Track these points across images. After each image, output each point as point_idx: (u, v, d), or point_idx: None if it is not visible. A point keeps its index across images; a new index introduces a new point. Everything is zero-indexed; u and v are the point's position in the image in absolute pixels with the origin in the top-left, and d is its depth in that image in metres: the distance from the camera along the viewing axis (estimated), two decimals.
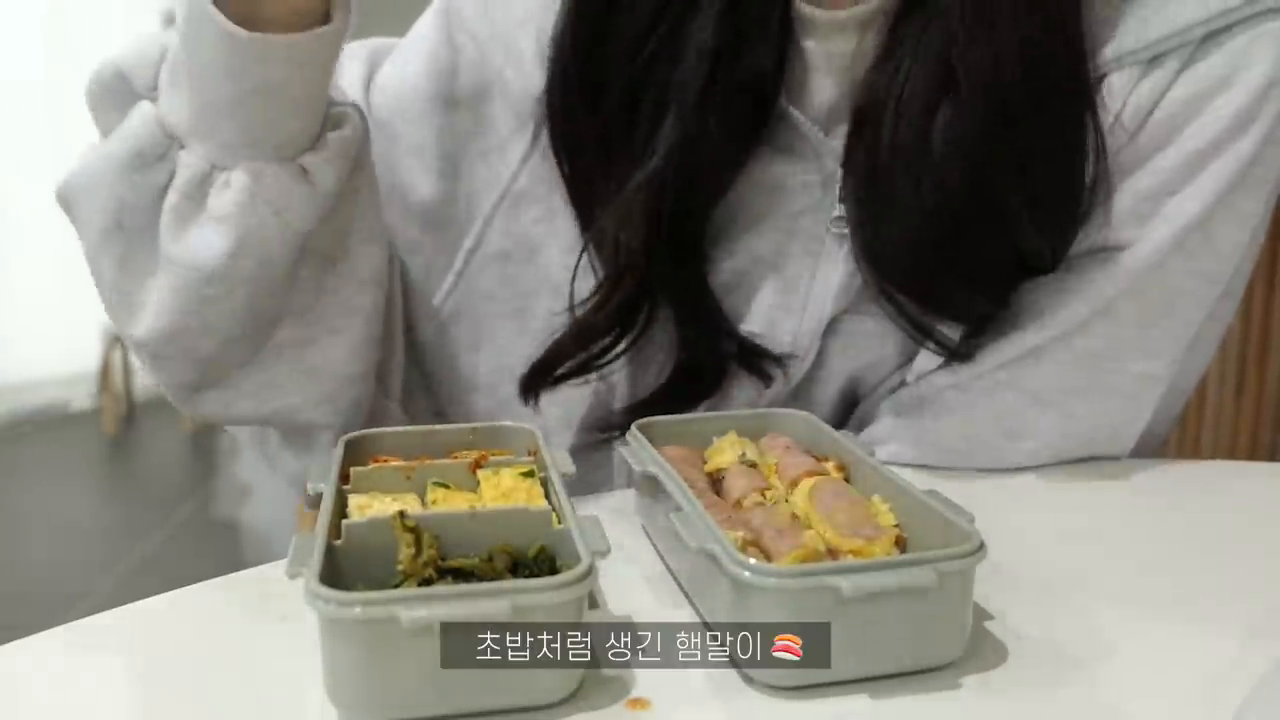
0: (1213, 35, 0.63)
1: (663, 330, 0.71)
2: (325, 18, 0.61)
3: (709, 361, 0.71)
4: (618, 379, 0.74)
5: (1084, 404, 0.68)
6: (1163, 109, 0.64)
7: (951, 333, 0.68)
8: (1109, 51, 0.64)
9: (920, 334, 0.68)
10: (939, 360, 0.69)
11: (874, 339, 0.71)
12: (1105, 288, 0.66)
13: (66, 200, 0.65)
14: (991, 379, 0.68)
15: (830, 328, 0.71)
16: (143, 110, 0.62)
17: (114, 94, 0.64)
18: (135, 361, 4.10)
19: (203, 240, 0.61)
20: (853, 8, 0.65)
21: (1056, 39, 0.62)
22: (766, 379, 0.71)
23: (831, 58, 0.67)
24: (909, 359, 0.72)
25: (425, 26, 0.76)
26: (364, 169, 0.68)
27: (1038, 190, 0.64)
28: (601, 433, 0.74)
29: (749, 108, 0.67)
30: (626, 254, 0.68)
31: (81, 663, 0.47)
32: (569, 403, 0.75)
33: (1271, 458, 1.80)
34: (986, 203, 0.63)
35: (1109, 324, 0.67)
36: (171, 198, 0.61)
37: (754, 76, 0.66)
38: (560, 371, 0.71)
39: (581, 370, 0.71)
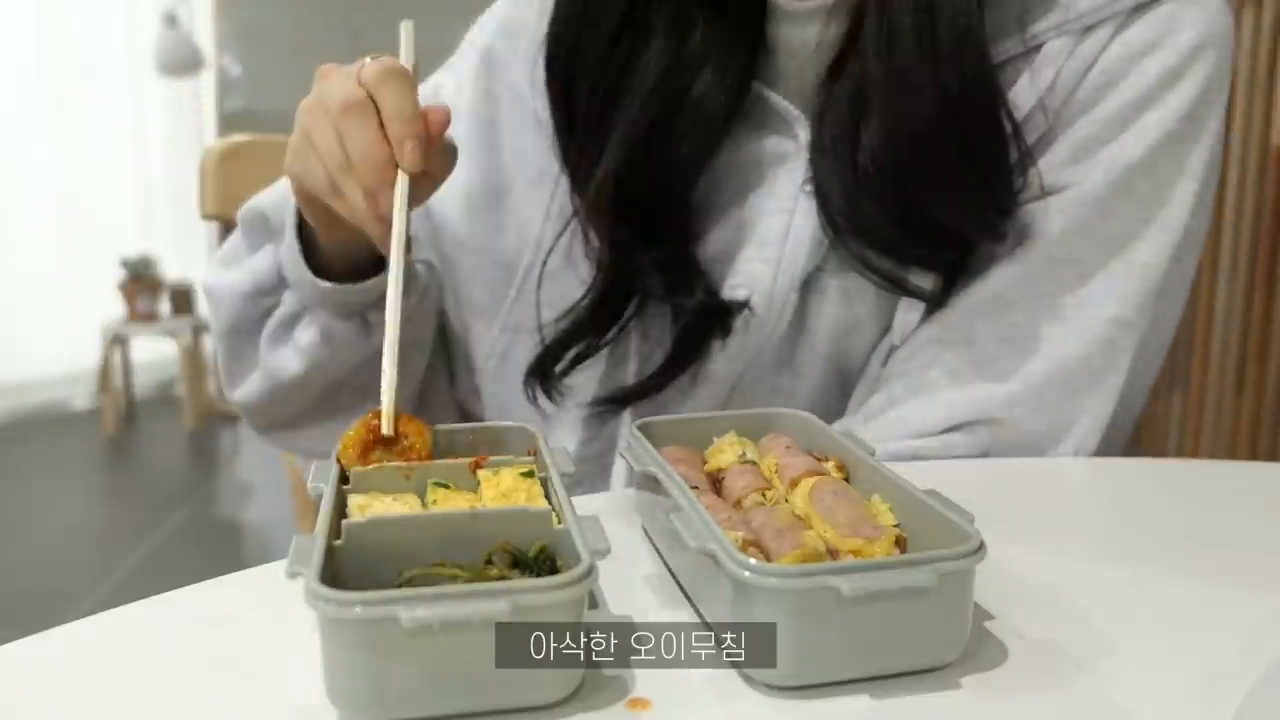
0: (1141, 6, 0.70)
1: (660, 312, 0.78)
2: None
3: (693, 326, 0.76)
4: (630, 361, 0.80)
5: (1058, 347, 0.71)
6: (1097, 69, 0.70)
7: (923, 281, 0.73)
8: (1045, 21, 0.70)
9: (892, 284, 0.73)
10: (918, 317, 0.73)
11: (850, 298, 0.75)
12: (1055, 223, 0.71)
13: (206, 296, 0.85)
14: (968, 328, 0.72)
15: (808, 286, 0.75)
16: (266, 254, 0.80)
17: (256, 227, 0.81)
18: (135, 360, 4.11)
19: (283, 361, 0.81)
20: None
21: (966, 39, 0.67)
22: (726, 331, 0.76)
23: (801, 44, 0.73)
24: (888, 324, 0.75)
25: (466, 78, 0.85)
26: (422, 310, 0.82)
27: (963, 181, 0.69)
28: (603, 406, 0.80)
29: (721, 97, 0.73)
30: (600, 245, 0.76)
31: (81, 662, 0.47)
32: (581, 382, 0.82)
33: (1271, 458, 1.80)
34: (923, 186, 0.69)
35: (1072, 269, 0.71)
36: (270, 324, 0.81)
37: (724, 69, 0.73)
38: (560, 368, 0.79)
39: (578, 361, 0.79)
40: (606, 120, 0.74)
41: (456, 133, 0.81)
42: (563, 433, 0.83)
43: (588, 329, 0.78)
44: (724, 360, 0.77)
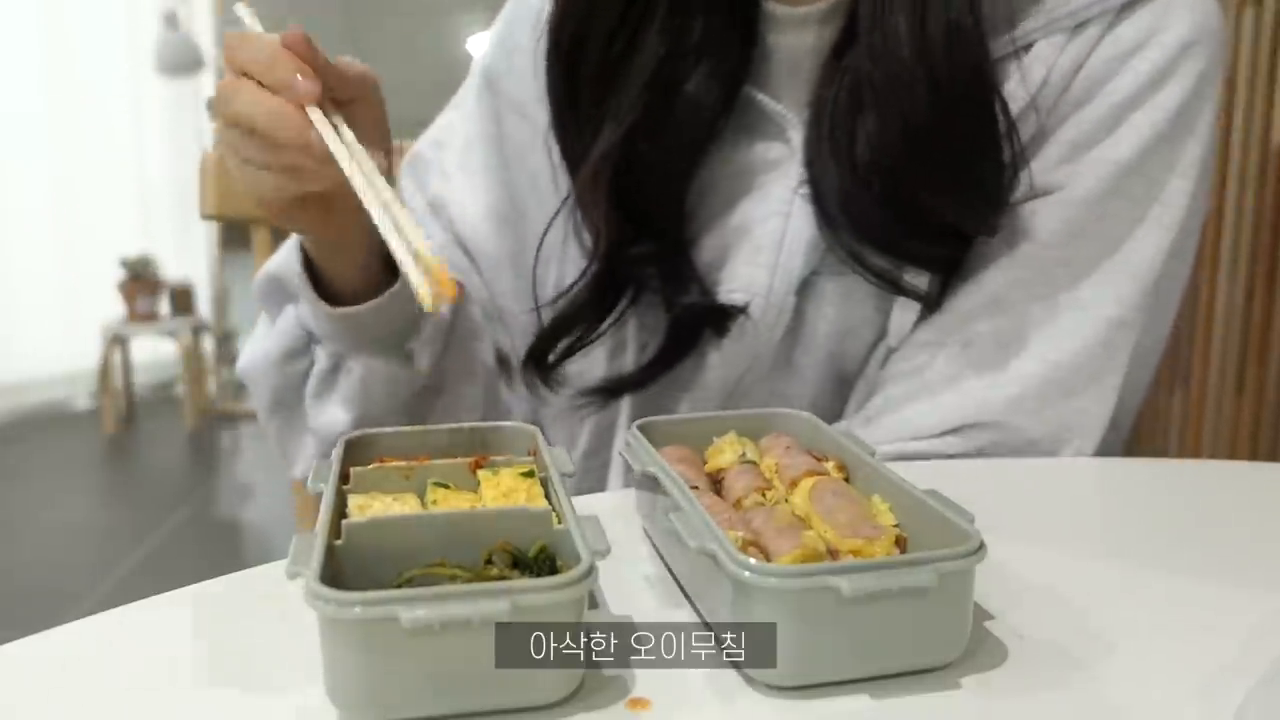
0: (1130, 4, 0.70)
1: (657, 307, 0.78)
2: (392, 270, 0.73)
3: (689, 323, 0.77)
4: (628, 348, 0.80)
5: (1056, 350, 0.71)
6: (1086, 69, 0.70)
7: (919, 281, 0.73)
8: (1035, 20, 0.70)
9: (887, 284, 0.73)
10: (914, 318, 0.73)
11: (847, 301, 0.75)
12: (1047, 227, 0.71)
13: (244, 380, 0.82)
14: (965, 331, 0.72)
15: (805, 289, 0.75)
16: (288, 315, 0.78)
17: (273, 295, 0.79)
18: (135, 360, 4.10)
19: (331, 418, 0.78)
20: (813, 4, 0.73)
21: (959, 37, 0.67)
22: (723, 332, 0.76)
23: (795, 49, 0.74)
24: (885, 326, 0.75)
25: (469, 108, 0.86)
26: (457, 330, 0.78)
27: (957, 175, 0.69)
28: (595, 397, 0.80)
29: (712, 95, 0.74)
30: (594, 236, 0.76)
31: (82, 663, 0.47)
32: (582, 369, 0.81)
33: (1272, 458, 1.80)
34: (917, 180, 0.70)
35: (1067, 270, 0.71)
36: (310, 384, 0.78)
37: (717, 70, 0.74)
38: (554, 356, 0.79)
39: (573, 350, 0.79)
40: (603, 108, 0.74)
41: (474, 156, 0.85)
42: (564, 437, 0.84)
43: (582, 316, 0.78)
44: (721, 365, 0.77)
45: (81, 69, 4.10)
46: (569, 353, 0.79)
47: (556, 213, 0.80)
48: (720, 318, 0.76)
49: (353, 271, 0.73)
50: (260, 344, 0.80)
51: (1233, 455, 1.84)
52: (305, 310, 0.75)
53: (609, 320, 0.78)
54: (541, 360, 0.80)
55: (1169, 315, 0.75)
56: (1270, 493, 0.67)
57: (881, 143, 0.69)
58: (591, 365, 0.81)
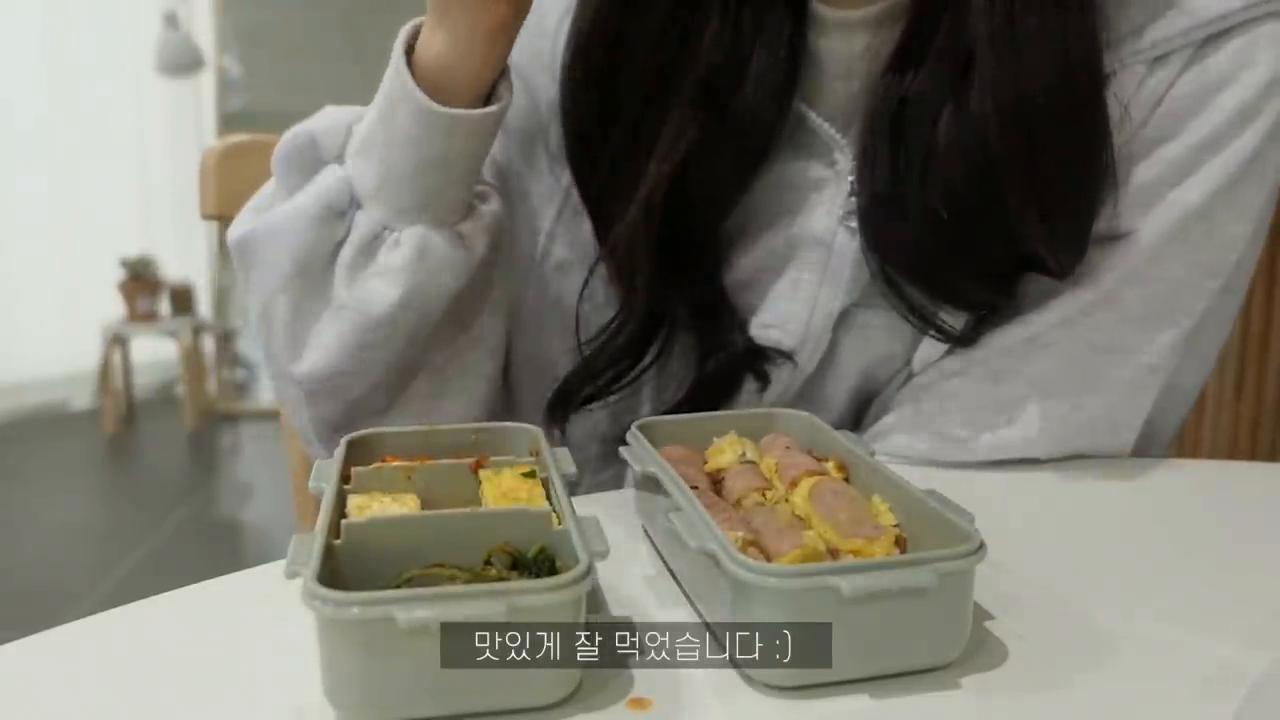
0: (1213, 37, 0.65)
1: (683, 345, 0.73)
2: (492, 94, 0.67)
3: (727, 368, 0.72)
4: (644, 393, 0.75)
5: (1088, 394, 0.69)
6: (1166, 104, 0.66)
7: (954, 321, 0.69)
8: (1115, 51, 0.65)
9: (923, 322, 0.69)
10: (944, 347, 0.70)
11: (884, 333, 0.72)
12: (1107, 274, 0.67)
13: (248, 248, 0.71)
14: (995, 365, 0.69)
15: (841, 320, 0.72)
16: (333, 171, 0.69)
17: (303, 156, 0.70)
18: (135, 360, 4.10)
19: (375, 290, 0.68)
20: (866, 7, 0.67)
21: (1079, 49, 0.63)
22: (765, 380, 0.72)
23: (845, 57, 0.68)
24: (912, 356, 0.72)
25: None
26: (501, 245, 0.73)
27: (1047, 194, 0.64)
28: (611, 445, 0.74)
29: (764, 113, 0.68)
30: (634, 280, 0.70)
31: (81, 663, 0.47)
32: (594, 419, 0.76)
33: (1271, 458, 1.80)
34: (993, 204, 0.64)
35: (1113, 314, 0.68)
36: (346, 252, 0.68)
37: (766, 82, 0.67)
38: (580, 398, 0.74)
39: (601, 395, 0.74)
40: (639, 128, 0.68)
41: None
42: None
43: (617, 359, 0.72)
44: (748, 402, 0.73)
45: (82, 69, 4.10)
46: (599, 396, 0.74)
47: (596, 262, 0.73)
48: (759, 361, 0.72)
49: (472, 80, 0.66)
50: (287, 205, 0.69)
51: (1233, 455, 1.84)
52: (362, 166, 0.67)
53: (645, 361, 0.72)
54: (565, 405, 0.74)
55: (1211, 356, 0.73)
56: (1270, 493, 0.67)
57: (971, 142, 0.63)
58: (604, 406, 0.75)
